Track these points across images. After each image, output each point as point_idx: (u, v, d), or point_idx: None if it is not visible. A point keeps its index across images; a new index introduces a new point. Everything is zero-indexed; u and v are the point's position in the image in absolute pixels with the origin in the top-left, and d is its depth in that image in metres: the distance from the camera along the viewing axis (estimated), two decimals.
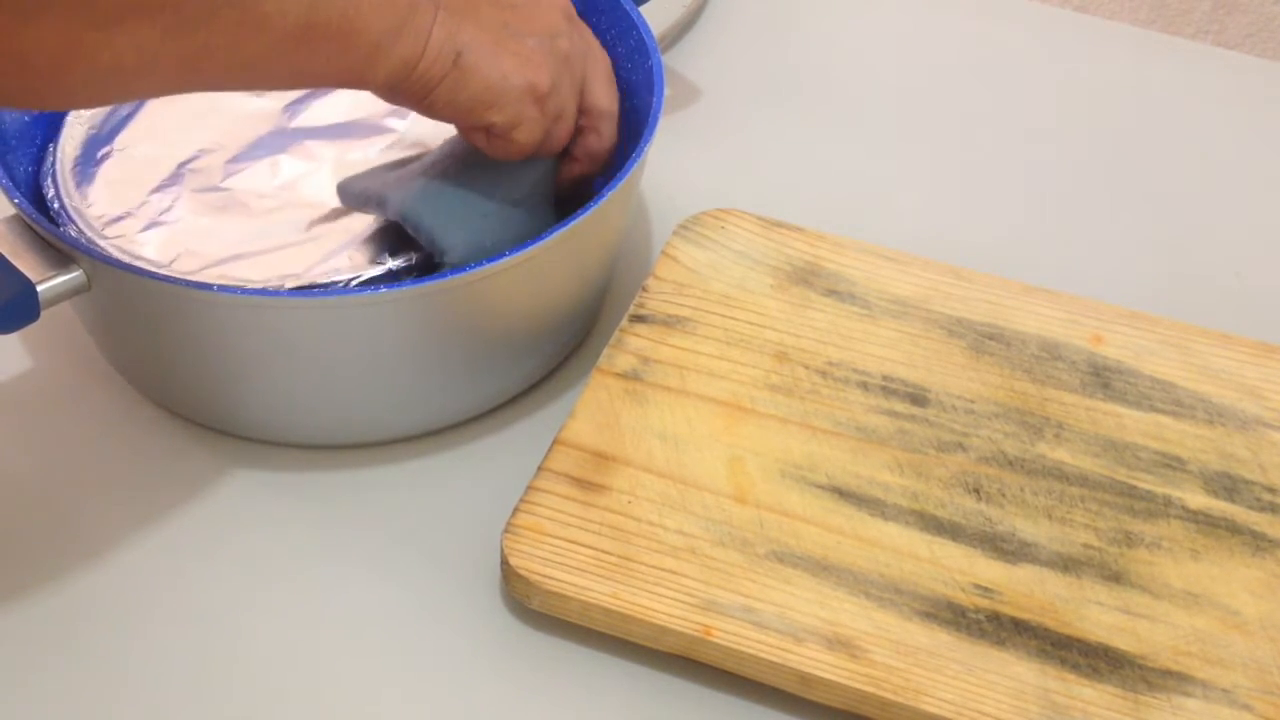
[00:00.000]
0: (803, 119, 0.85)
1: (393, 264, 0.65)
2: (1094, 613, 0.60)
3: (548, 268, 0.65)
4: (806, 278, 0.72)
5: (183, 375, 0.66)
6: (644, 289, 0.71)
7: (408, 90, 0.59)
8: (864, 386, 0.68)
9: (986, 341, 0.70)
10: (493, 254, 0.62)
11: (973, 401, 0.67)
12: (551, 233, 0.62)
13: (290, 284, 0.64)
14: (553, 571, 0.60)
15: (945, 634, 0.59)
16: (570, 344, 0.71)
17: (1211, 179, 0.83)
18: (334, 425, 0.67)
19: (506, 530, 0.61)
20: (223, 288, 0.61)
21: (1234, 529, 0.63)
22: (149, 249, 0.65)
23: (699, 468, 0.64)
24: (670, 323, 0.70)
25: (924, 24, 0.92)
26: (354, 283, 0.64)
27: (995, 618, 0.60)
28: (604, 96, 0.66)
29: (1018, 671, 0.58)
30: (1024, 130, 0.85)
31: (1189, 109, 0.87)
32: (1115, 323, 0.70)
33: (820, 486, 0.64)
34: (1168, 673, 0.58)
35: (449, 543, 0.64)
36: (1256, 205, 0.82)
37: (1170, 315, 0.71)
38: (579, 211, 0.63)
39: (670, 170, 0.81)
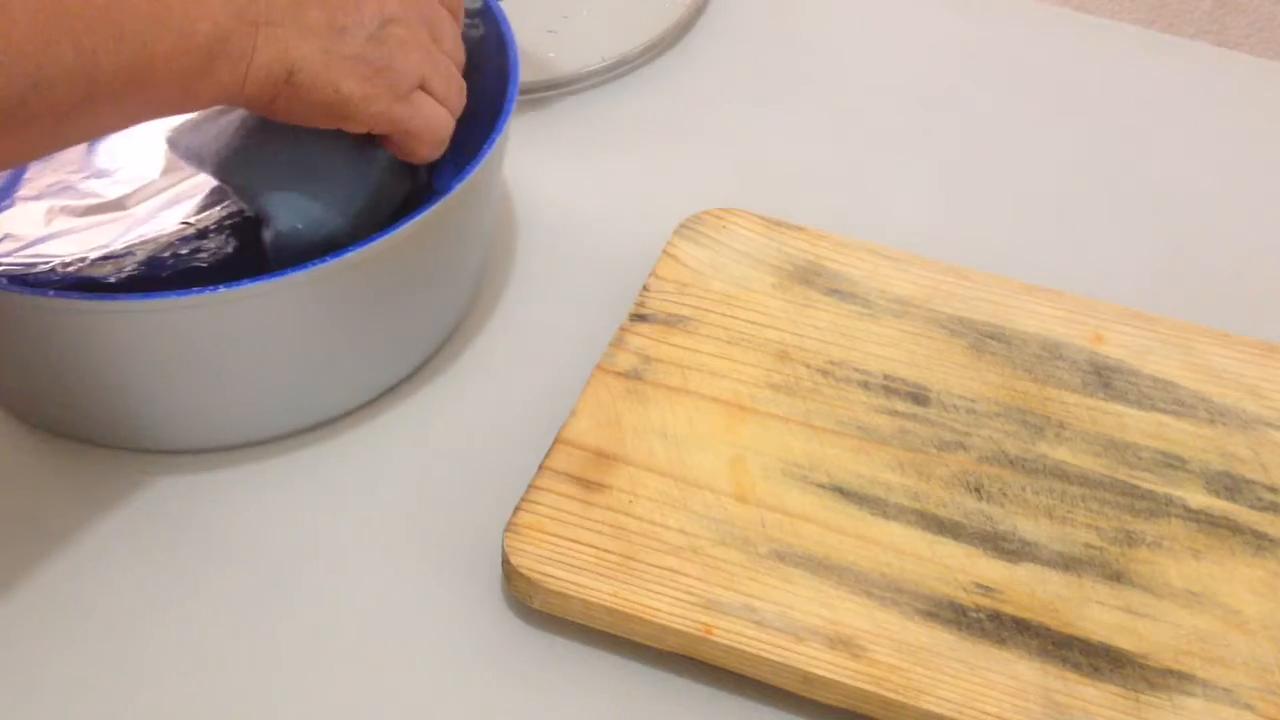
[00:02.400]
0: (804, 118, 0.86)
1: (196, 219, 0.63)
2: (1095, 612, 0.60)
3: (397, 267, 0.64)
4: (808, 277, 0.72)
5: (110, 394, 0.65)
6: (645, 288, 0.71)
7: (245, 105, 0.57)
8: (865, 386, 0.68)
9: (987, 341, 0.70)
10: (326, 213, 0.62)
11: (974, 401, 0.67)
12: (382, 235, 0.62)
13: (96, 254, 0.63)
14: (554, 570, 0.60)
15: (946, 633, 0.59)
16: (446, 329, 0.71)
17: (1212, 178, 0.83)
18: (227, 423, 0.66)
19: (508, 529, 0.61)
20: (60, 293, 0.59)
21: (1235, 528, 0.63)
22: None
23: (700, 467, 0.64)
24: (671, 322, 0.70)
25: (925, 23, 0.92)
26: (166, 252, 0.63)
27: (996, 617, 0.60)
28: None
29: (1019, 671, 0.58)
30: (1024, 129, 0.85)
31: (1190, 108, 0.87)
32: (1116, 322, 0.70)
33: (821, 486, 0.64)
34: (1169, 672, 0.58)
35: (450, 542, 0.64)
36: (1257, 204, 0.82)
37: (1171, 315, 0.71)
38: (419, 209, 0.63)
39: (670, 169, 0.81)
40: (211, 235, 0.63)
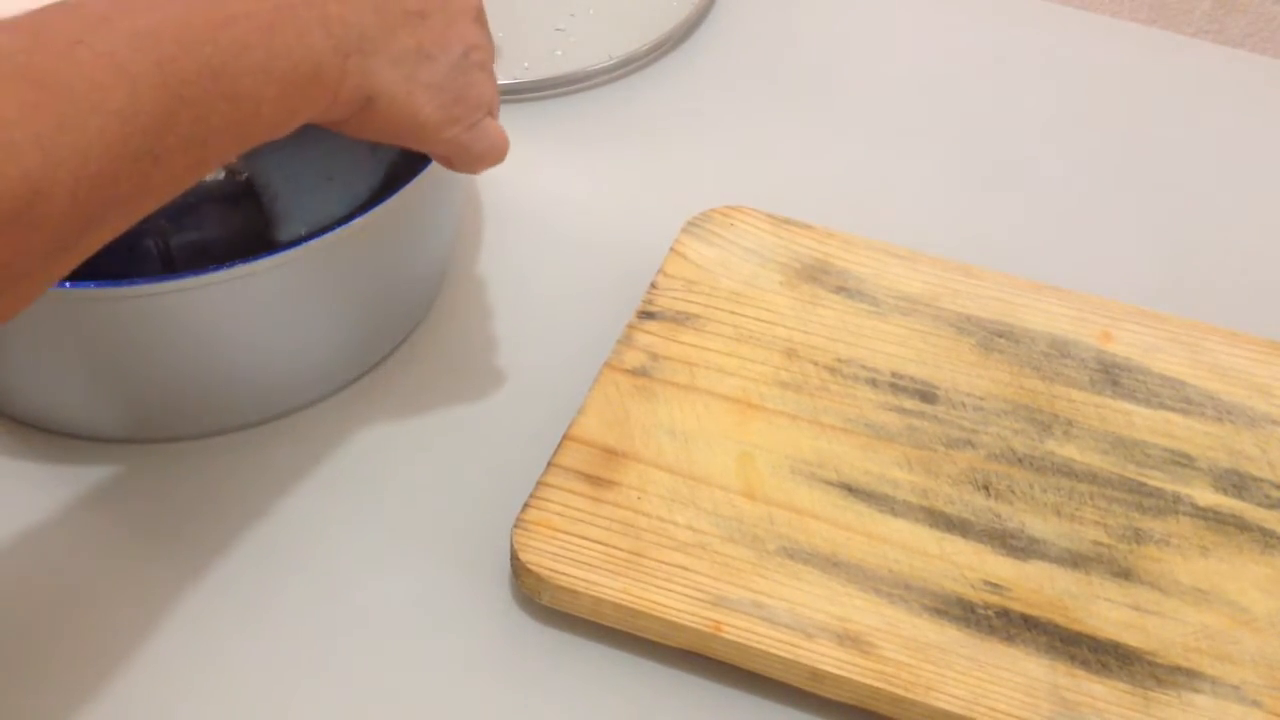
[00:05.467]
0: (812, 116, 0.86)
1: None
2: (1103, 609, 0.60)
3: (348, 261, 0.64)
4: (815, 275, 0.72)
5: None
6: (653, 285, 0.71)
7: (316, 123, 0.57)
8: (873, 383, 0.68)
9: (995, 339, 0.70)
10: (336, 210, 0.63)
11: (982, 398, 0.67)
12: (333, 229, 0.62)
13: None
14: (563, 567, 0.60)
15: (955, 630, 0.59)
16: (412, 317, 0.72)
17: (1217, 176, 0.83)
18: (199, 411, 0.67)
19: (516, 525, 0.61)
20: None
21: (1243, 526, 0.63)
22: None
23: (709, 464, 0.64)
24: (679, 319, 0.70)
25: (930, 21, 0.92)
26: None
27: (1005, 614, 0.60)
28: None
29: (1027, 667, 0.58)
30: (1030, 127, 0.86)
31: (1193, 106, 0.87)
32: (1124, 320, 0.70)
33: (830, 483, 0.64)
34: (1177, 669, 0.59)
35: (458, 538, 0.64)
36: (1263, 202, 0.82)
37: (1179, 313, 0.71)
38: (382, 198, 0.63)
39: (678, 167, 0.82)
40: None
